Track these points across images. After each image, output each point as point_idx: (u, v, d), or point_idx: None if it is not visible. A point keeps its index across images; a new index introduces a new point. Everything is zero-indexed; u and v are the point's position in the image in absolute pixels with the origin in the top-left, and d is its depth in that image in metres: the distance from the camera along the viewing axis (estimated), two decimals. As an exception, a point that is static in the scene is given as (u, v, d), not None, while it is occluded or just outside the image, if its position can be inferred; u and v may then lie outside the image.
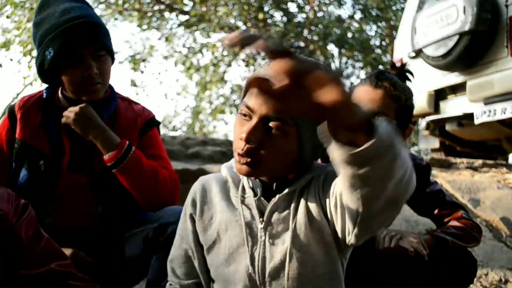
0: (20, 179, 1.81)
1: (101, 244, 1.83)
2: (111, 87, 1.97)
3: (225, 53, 12.82)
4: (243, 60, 12.98)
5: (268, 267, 1.28)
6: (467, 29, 4.81)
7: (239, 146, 1.22)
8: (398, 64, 1.96)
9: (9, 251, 1.26)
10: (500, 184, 3.84)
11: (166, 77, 36.00)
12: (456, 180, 3.93)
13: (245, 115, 1.23)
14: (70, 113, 1.76)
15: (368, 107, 1.78)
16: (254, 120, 1.20)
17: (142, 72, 13.32)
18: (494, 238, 3.15)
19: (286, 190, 1.29)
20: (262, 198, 1.31)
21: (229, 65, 13.10)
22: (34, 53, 11.40)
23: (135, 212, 1.90)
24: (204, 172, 3.28)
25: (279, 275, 1.26)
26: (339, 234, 1.19)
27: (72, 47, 1.74)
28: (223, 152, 3.92)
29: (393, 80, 1.81)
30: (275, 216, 1.30)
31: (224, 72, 13.15)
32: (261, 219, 1.30)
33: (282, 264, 1.26)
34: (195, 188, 1.42)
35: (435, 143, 6.44)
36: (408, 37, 5.78)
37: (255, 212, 1.31)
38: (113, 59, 1.91)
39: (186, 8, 12.63)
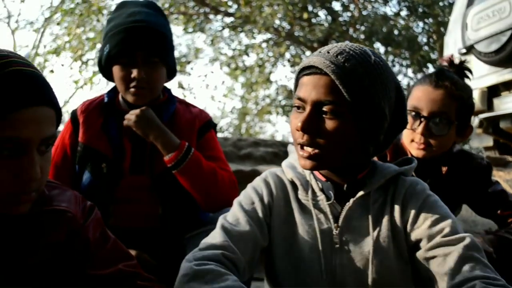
0: (83, 181, 1.86)
1: (162, 246, 1.85)
2: (169, 91, 2.01)
3: (270, 53, 12.85)
4: (288, 61, 12.97)
5: (347, 274, 1.25)
6: (521, 23, 4.69)
7: (297, 137, 1.22)
8: (456, 61, 1.92)
9: (77, 252, 1.28)
10: (560, 183, 3.72)
11: (212, 79, 36.32)
12: (513, 179, 3.83)
13: (298, 108, 1.23)
14: (131, 115, 1.80)
15: (429, 107, 1.77)
16: (307, 108, 1.20)
17: (189, 74, 13.46)
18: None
19: (360, 193, 1.27)
20: (335, 202, 1.29)
21: (274, 65, 13.11)
22: (84, 58, 11.75)
23: (195, 213, 1.92)
24: (258, 173, 3.27)
25: (359, 282, 1.24)
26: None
27: (126, 47, 1.78)
28: (275, 153, 3.92)
29: (454, 79, 1.79)
30: (351, 222, 1.27)
31: (270, 72, 13.17)
32: (335, 224, 1.28)
33: (363, 273, 1.24)
34: (271, 180, 1.38)
35: (489, 141, 6.27)
36: (458, 33, 5.66)
37: (330, 217, 1.28)
38: (171, 71, 1.94)
39: (231, 10, 12.72)
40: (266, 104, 13.99)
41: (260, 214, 1.31)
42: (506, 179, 3.82)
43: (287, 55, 12.83)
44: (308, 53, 12.81)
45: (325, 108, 1.18)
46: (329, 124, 1.18)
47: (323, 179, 1.32)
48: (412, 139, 1.80)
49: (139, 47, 1.79)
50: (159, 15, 1.90)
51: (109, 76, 1.90)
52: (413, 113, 1.78)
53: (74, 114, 1.94)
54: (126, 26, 1.79)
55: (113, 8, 1.95)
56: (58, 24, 11.89)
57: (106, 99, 1.94)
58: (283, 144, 4.38)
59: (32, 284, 1.20)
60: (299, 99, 1.22)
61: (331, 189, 1.30)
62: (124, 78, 1.82)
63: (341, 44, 1.24)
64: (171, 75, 1.95)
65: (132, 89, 1.82)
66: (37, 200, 1.18)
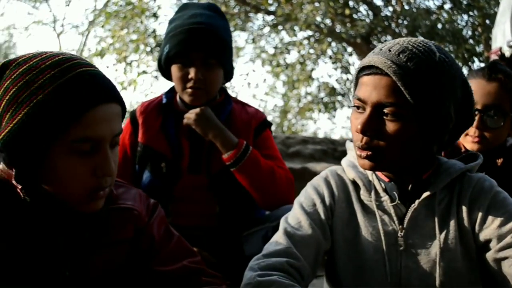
0: (143, 180, 1.91)
1: (219, 244, 1.89)
2: (225, 91, 2.04)
3: (312, 51, 12.78)
4: (330, 57, 12.88)
5: (413, 276, 1.23)
6: None
7: (357, 139, 1.20)
8: (507, 54, 1.91)
9: (143, 249, 1.31)
10: None
11: (254, 77, 36.30)
12: None
13: (358, 108, 1.21)
14: (191, 114, 1.84)
15: (483, 100, 1.75)
16: (368, 110, 1.17)
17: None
18: None
19: (425, 194, 1.24)
20: (399, 202, 1.27)
21: (315, 63, 13.03)
22: (128, 59, 11.93)
23: (252, 212, 1.95)
24: (308, 171, 3.28)
25: (425, 285, 1.22)
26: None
27: (184, 47, 1.83)
28: (324, 151, 3.90)
29: (507, 72, 1.78)
30: (417, 223, 1.25)
31: (312, 70, 13.10)
32: (400, 226, 1.26)
33: (430, 275, 1.22)
34: (332, 180, 1.36)
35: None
36: (507, 25, 5.52)
37: (394, 218, 1.26)
38: (228, 73, 1.97)
39: (271, 8, 12.71)
40: (308, 101, 13.90)
41: (322, 216, 1.30)
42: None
43: (329, 52, 12.73)
44: (349, 49, 12.70)
45: (386, 110, 1.15)
46: (391, 126, 1.15)
47: (386, 179, 1.30)
48: (466, 133, 1.80)
49: (197, 48, 1.83)
50: (220, 17, 1.94)
51: (168, 76, 1.95)
52: None
53: (133, 115, 1.99)
54: (186, 27, 1.83)
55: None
56: (102, 26, 12.10)
57: (164, 100, 1.98)
58: (332, 142, 4.35)
59: (101, 283, 1.24)
60: (359, 99, 1.20)
61: (395, 189, 1.28)
62: (182, 78, 1.86)
63: (403, 41, 1.20)
64: (228, 77, 1.99)
65: (188, 90, 1.86)
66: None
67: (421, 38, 1.23)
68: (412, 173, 1.28)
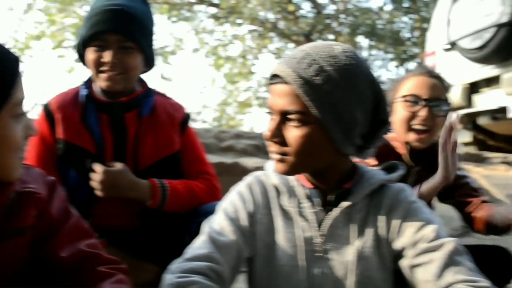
0: (69, 180, 1.78)
1: (143, 244, 1.82)
2: (145, 83, 1.95)
3: (253, 45, 12.83)
4: (272, 53, 12.97)
5: (327, 282, 1.24)
6: (505, 20, 4.71)
7: (269, 145, 1.23)
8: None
9: (42, 234, 1.24)
10: (537, 180, 3.78)
11: (194, 70, 36.08)
12: (491, 176, 3.88)
13: (270, 113, 1.23)
14: (95, 183, 1.73)
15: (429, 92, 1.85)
16: (275, 117, 1.20)
17: (170, 65, 13.41)
18: (531, 234, 3.10)
19: (346, 204, 1.26)
20: (321, 209, 1.28)
21: (256, 57, 13.08)
22: (66, 44, 11.63)
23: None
24: (239, 166, 3.27)
25: None
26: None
27: (98, 29, 1.73)
28: (257, 146, 3.91)
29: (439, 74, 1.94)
30: (335, 231, 1.26)
31: (252, 64, 13.14)
32: (319, 233, 1.26)
33: (344, 282, 1.23)
34: (255, 186, 1.35)
35: (468, 137, 6.35)
36: (442, 29, 5.69)
37: (314, 225, 1.26)
38: (148, 60, 1.87)
39: (216, 1, 12.66)
40: (248, 96, 13.96)
41: (245, 222, 1.29)
42: (484, 175, 3.87)
43: (271, 47, 12.82)
44: (291, 46, 12.81)
45: (291, 117, 1.18)
46: (295, 132, 1.18)
47: (310, 186, 1.30)
48: (409, 128, 1.85)
49: (113, 31, 1.73)
50: (142, 3, 1.86)
51: (83, 60, 1.85)
52: (412, 100, 1.84)
53: (47, 109, 1.84)
54: (103, 9, 1.73)
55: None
56: (40, 10, 11.73)
57: (83, 91, 1.84)
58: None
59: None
60: (268, 106, 1.23)
61: (317, 196, 1.28)
62: (95, 61, 1.75)
63: (307, 47, 1.22)
64: (148, 64, 1.89)
65: (103, 74, 1.76)
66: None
67: (328, 43, 1.24)
68: (333, 181, 1.29)
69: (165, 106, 1.92)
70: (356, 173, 1.32)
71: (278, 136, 1.20)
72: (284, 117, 1.19)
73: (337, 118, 1.17)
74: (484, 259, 1.79)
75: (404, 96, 1.85)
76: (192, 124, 2.05)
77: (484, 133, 6.22)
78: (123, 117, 1.83)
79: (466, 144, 6.53)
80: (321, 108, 1.15)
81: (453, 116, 1.62)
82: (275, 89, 1.21)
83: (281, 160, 1.21)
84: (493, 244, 1.86)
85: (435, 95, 1.84)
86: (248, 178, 1.39)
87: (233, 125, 14.78)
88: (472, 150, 5.99)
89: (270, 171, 1.36)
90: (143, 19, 1.80)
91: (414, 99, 1.84)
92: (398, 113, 1.86)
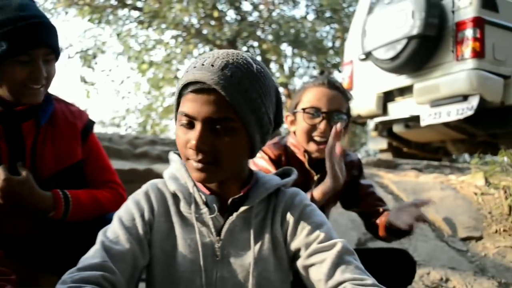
0: None
1: (45, 253, 1.76)
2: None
3: (178, 50, 12.73)
4: (196, 58, 12.93)
5: (228, 287, 1.25)
6: (415, 33, 4.95)
7: (191, 154, 1.19)
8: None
9: None
10: (443, 185, 3.95)
11: (118, 74, 35.24)
12: (401, 181, 4.03)
13: (187, 124, 1.20)
14: None
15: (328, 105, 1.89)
16: (199, 126, 1.17)
17: (92, 68, 13.10)
18: (436, 237, 3.24)
19: (242, 208, 1.27)
20: (218, 214, 1.28)
21: (181, 62, 12.99)
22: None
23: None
24: (152, 172, 3.24)
25: None
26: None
27: (27, 45, 1.64)
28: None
29: (341, 84, 1.98)
30: (233, 235, 1.27)
31: (177, 70, 13.03)
32: (217, 237, 1.27)
33: (244, 285, 1.25)
34: (152, 194, 1.34)
35: (383, 144, 6.59)
36: (358, 40, 5.87)
37: (212, 230, 1.27)
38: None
39: (139, 4, 12.48)
40: (172, 102, 13.82)
41: (141, 231, 1.27)
42: (394, 180, 4.01)
43: (195, 53, 12.76)
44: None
45: (218, 125, 1.16)
46: (225, 140, 1.17)
47: (207, 192, 1.30)
48: (310, 139, 1.89)
49: (39, 45, 1.66)
50: (35, 3, 1.79)
51: None
52: (313, 111, 1.88)
53: None
54: (25, 22, 1.63)
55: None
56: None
57: None
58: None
59: None
60: (187, 115, 1.18)
61: (215, 202, 1.29)
62: (25, 78, 1.64)
63: (222, 54, 1.21)
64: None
65: (30, 90, 1.68)
66: None
67: (237, 51, 1.25)
68: (233, 186, 1.30)
69: (65, 114, 1.84)
70: (252, 178, 1.34)
71: (205, 145, 1.17)
72: (209, 125, 1.17)
73: (259, 122, 1.21)
74: (388, 262, 1.88)
75: (304, 108, 1.89)
76: (102, 130, 1.99)
77: (399, 140, 6.47)
78: (20, 127, 1.74)
79: (382, 151, 6.77)
80: (247, 113, 1.17)
81: (338, 125, 1.66)
82: (195, 97, 1.17)
83: (204, 169, 1.19)
84: (395, 247, 1.93)
85: (335, 107, 1.87)
86: (145, 186, 1.37)
87: (156, 132, 14.58)
88: (387, 156, 6.22)
89: (168, 179, 1.35)
90: (54, 26, 1.74)
91: (314, 112, 1.88)
92: (299, 124, 1.90)
